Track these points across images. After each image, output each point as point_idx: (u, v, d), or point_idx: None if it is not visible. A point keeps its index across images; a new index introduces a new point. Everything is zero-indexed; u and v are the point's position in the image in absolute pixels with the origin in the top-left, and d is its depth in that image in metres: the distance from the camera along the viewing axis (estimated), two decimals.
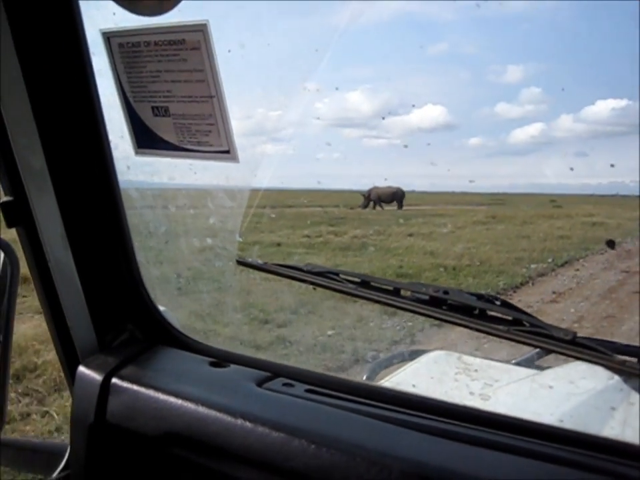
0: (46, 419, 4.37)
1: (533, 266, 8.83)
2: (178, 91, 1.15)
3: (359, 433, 1.04)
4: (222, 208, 1.30)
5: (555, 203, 12.88)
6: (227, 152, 1.16)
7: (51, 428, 4.22)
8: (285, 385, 1.23)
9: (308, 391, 1.21)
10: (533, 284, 8.05)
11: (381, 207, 15.16)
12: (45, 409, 4.48)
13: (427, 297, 1.20)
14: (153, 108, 1.20)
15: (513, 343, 1.11)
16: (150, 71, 1.16)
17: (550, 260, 9.23)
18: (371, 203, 15.02)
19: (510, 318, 1.13)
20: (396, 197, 14.81)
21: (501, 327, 1.11)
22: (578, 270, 8.85)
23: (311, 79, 1.17)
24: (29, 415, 4.53)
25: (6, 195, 1.26)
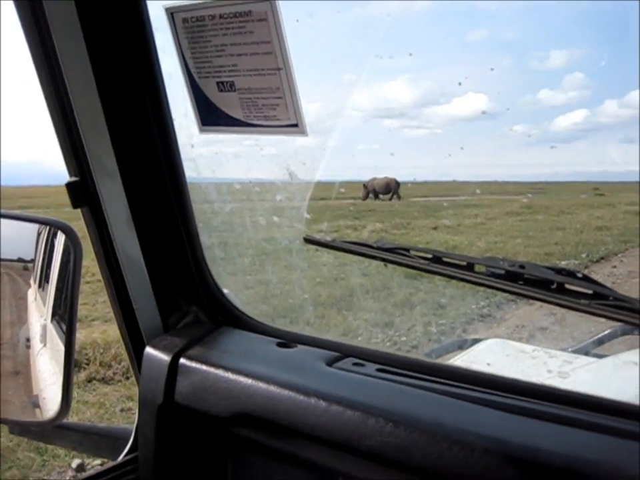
0: None
1: (563, 263, 8.07)
2: (244, 64, 1.12)
3: (437, 411, 1.01)
4: (288, 184, 1.27)
5: (597, 191, 12.53)
6: (295, 125, 1.13)
7: None
8: (355, 364, 1.20)
9: (379, 370, 1.17)
10: None
11: (378, 198, 15.21)
12: None
13: (502, 272, 1.15)
14: (218, 83, 1.18)
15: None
16: (215, 45, 1.14)
17: (584, 255, 8.62)
18: (371, 195, 15.08)
19: (590, 292, 1.08)
20: (390, 187, 14.89)
21: (582, 301, 1.06)
22: (615, 267, 8.17)
23: (383, 47, 1.12)
24: None
25: (71, 175, 1.26)
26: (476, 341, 2.33)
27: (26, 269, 1.44)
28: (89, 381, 5.65)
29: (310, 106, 1.15)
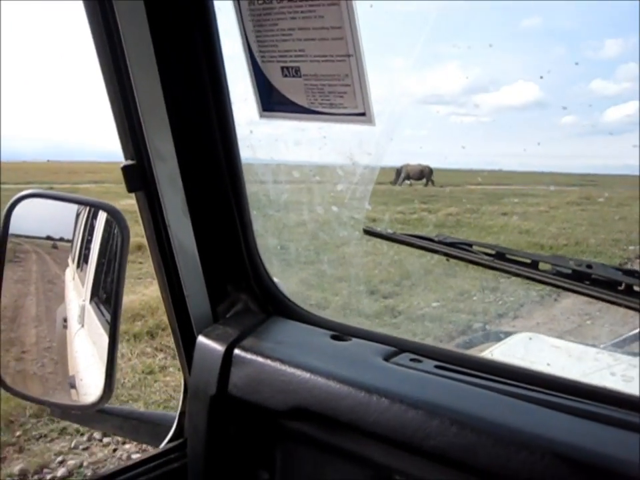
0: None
1: (631, 247, 8.62)
2: (312, 50, 1.13)
3: (503, 413, 1.01)
4: (352, 175, 1.28)
5: None
6: (363, 114, 1.13)
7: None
8: (412, 360, 1.21)
9: (438, 367, 1.18)
10: (631, 265, 7.90)
11: (410, 183, 15.40)
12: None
13: (569, 271, 1.16)
14: (282, 68, 1.18)
15: None
16: (281, 29, 1.14)
17: None
18: (400, 179, 15.22)
19: None
20: (424, 174, 15.12)
21: None
22: None
23: (459, 38, 1.12)
24: (165, 367, 5.80)
25: (127, 158, 1.28)
26: (507, 334, 2.35)
27: (55, 247, 1.44)
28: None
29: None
